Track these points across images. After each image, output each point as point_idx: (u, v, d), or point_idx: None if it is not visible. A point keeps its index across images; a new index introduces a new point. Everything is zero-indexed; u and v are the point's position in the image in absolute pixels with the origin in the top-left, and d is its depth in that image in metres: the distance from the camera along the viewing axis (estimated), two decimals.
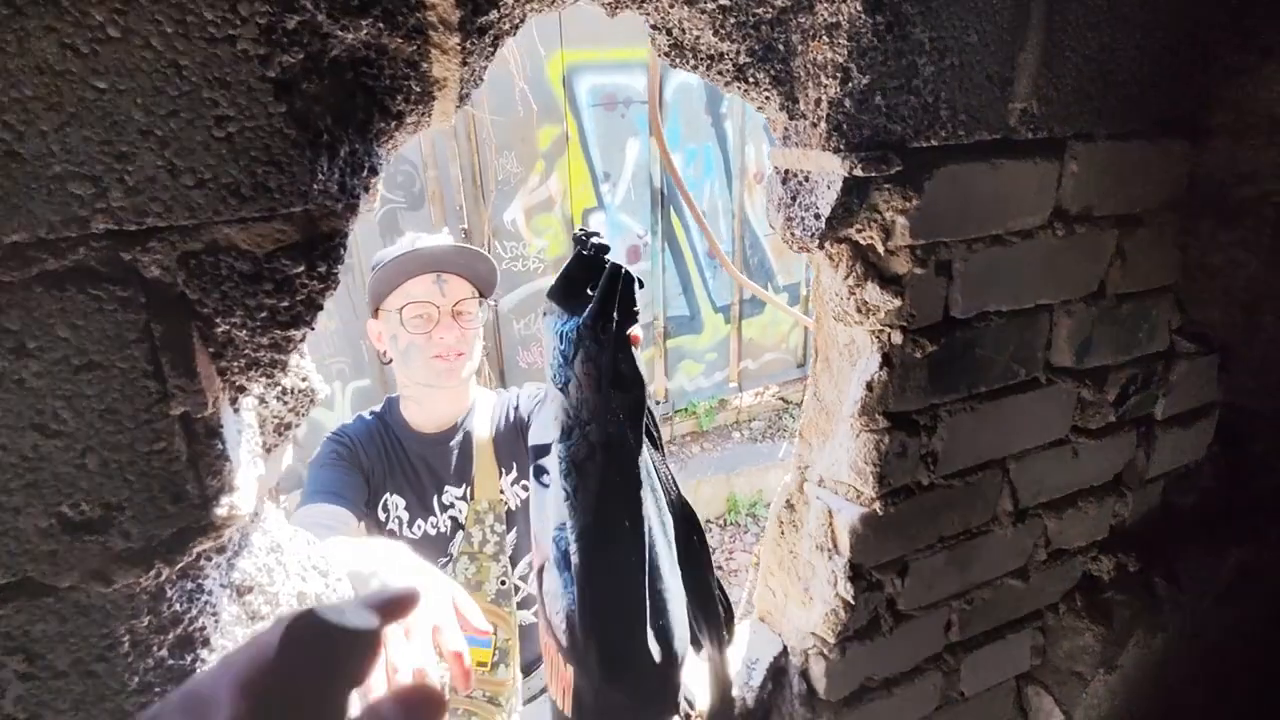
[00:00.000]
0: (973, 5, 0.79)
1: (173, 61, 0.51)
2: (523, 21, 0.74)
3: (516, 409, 1.53)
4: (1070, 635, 1.36)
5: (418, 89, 0.65)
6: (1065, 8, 0.84)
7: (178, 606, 0.64)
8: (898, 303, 0.92)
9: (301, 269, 0.59)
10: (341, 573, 0.84)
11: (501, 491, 1.47)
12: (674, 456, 4.69)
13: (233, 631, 0.70)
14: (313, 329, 0.63)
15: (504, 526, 1.46)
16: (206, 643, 0.65)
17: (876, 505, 1.03)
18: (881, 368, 0.97)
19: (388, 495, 1.44)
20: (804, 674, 1.15)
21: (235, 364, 0.61)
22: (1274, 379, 1.27)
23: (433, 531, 1.44)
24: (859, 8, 0.72)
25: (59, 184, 0.50)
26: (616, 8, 0.77)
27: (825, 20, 0.76)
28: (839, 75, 0.77)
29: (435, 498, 1.45)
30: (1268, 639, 1.57)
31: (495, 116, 3.71)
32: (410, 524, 1.44)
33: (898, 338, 0.96)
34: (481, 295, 1.45)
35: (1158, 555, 1.39)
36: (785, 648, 1.17)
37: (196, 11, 0.51)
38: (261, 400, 0.71)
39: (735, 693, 1.12)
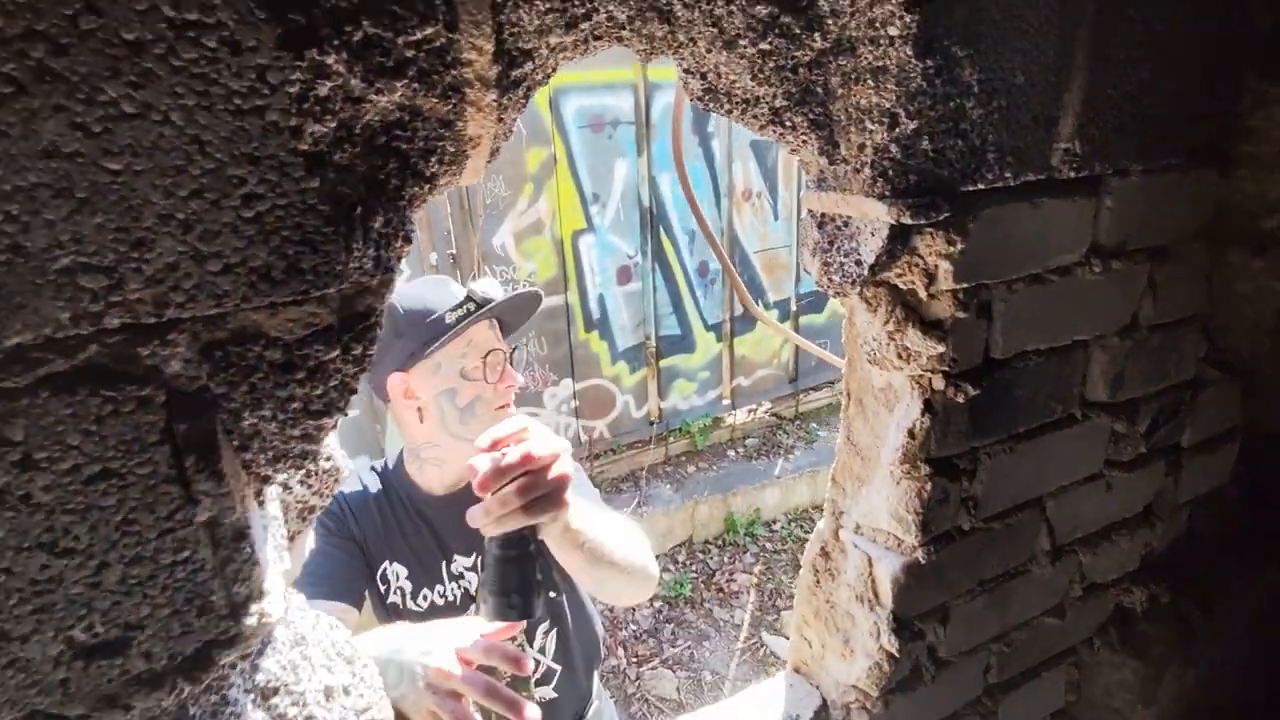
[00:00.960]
0: (1019, 45, 0.76)
1: (195, 138, 0.46)
2: (555, 70, 0.70)
3: None
4: (1107, 671, 1.33)
5: (452, 149, 0.60)
6: (1109, 44, 0.81)
7: None
8: (941, 348, 0.89)
9: (336, 353, 0.54)
10: (368, 658, 0.78)
11: None
12: (670, 477, 4.64)
13: None
14: (346, 415, 0.58)
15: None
16: None
17: (919, 553, 0.99)
18: (924, 414, 0.93)
19: (387, 564, 1.35)
20: None
21: (262, 456, 0.56)
22: None
23: (440, 601, 1.33)
24: (909, 52, 0.69)
25: (68, 277, 0.45)
26: (651, 54, 0.73)
27: (870, 64, 0.73)
28: (886, 120, 0.74)
29: (444, 565, 1.35)
30: None
31: None
32: (415, 595, 1.34)
33: (939, 383, 0.92)
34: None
35: (1188, 583, 1.37)
36: (825, 702, 1.13)
37: (221, 82, 0.46)
38: (285, 487, 0.66)
39: None
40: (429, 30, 0.54)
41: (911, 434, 0.94)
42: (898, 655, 1.02)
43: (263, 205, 0.49)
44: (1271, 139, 0.98)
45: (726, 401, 5.01)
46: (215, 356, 0.50)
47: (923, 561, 0.99)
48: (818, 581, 1.13)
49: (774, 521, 4.65)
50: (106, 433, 0.48)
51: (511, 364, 1.33)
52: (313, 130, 0.50)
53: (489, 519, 0.82)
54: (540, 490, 0.82)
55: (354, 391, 0.58)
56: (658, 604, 3.97)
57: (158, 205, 0.46)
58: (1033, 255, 0.92)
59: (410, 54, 0.54)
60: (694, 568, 4.25)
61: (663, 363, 4.67)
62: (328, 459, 0.69)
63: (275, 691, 0.65)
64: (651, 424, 4.72)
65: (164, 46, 0.44)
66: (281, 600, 0.60)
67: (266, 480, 0.59)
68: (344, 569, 1.30)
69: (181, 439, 0.50)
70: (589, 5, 0.64)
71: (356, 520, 1.35)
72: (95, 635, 0.51)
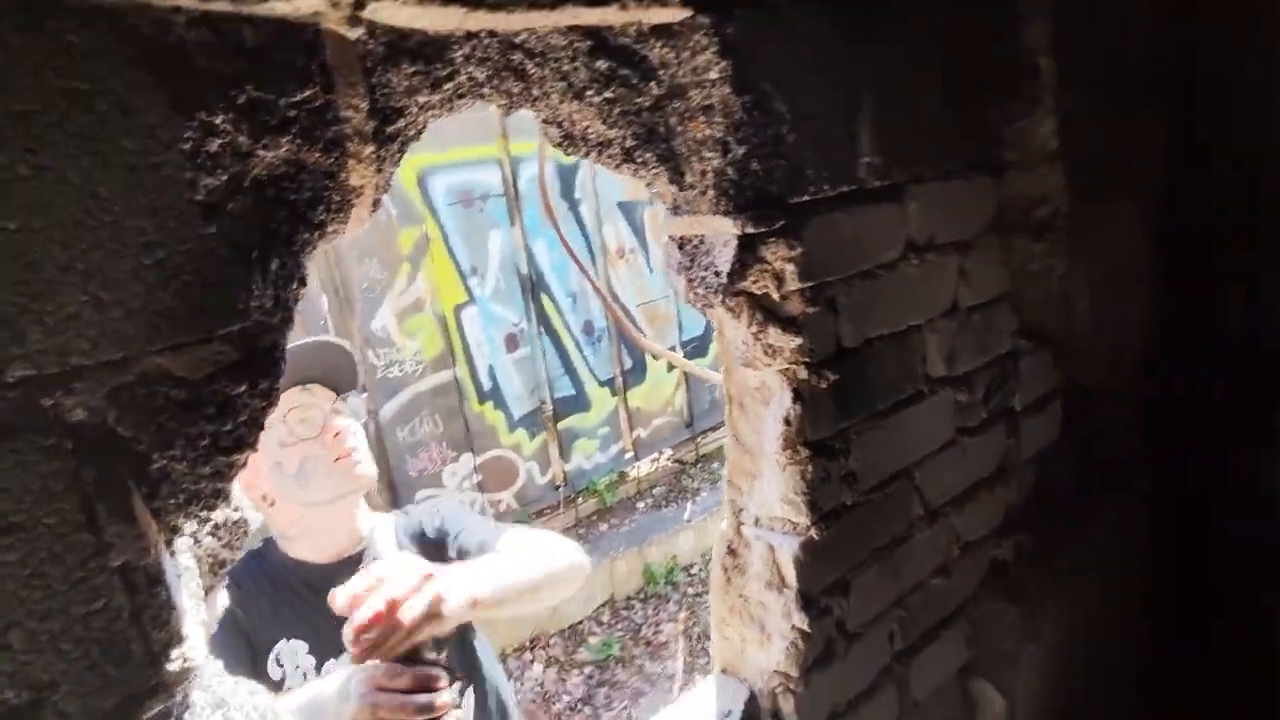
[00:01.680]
0: (815, 81, 0.92)
1: (93, 193, 0.49)
2: (425, 127, 0.77)
3: (422, 529, 1.42)
4: (994, 618, 1.48)
5: (337, 199, 0.66)
6: (886, 75, 1.00)
7: None
8: (798, 341, 1.01)
9: (244, 388, 0.57)
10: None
11: None
12: (583, 539, 4.60)
13: None
14: (255, 451, 0.60)
15: (434, 654, 1.35)
16: None
17: (813, 531, 1.09)
18: (795, 402, 1.05)
19: (282, 644, 1.29)
20: (775, 715, 1.16)
21: (172, 501, 0.57)
22: (1098, 361, 1.50)
23: None
24: (728, 90, 0.83)
25: None
26: (510, 108, 0.83)
27: (699, 103, 0.86)
28: (719, 148, 0.87)
29: None
30: (1144, 590, 1.78)
31: None
32: (319, 667, 1.28)
33: (803, 373, 1.05)
34: (340, 394, 1.37)
35: (1046, 532, 1.56)
36: (753, 693, 1.18)
37: (113, 141, 0.50)
38: (194, 539, 0.65)
39: None
40: (308, 92, 0.60)
41: (788, 421, 1.05)
42: (810, 631, 1.11)
43: (163, 252, 0.52)
44: (1023, 147, 1.22)
45: (629, 454, 5.08)
46: (122, 400, 0.52)
47: (817, 538, 1.09)
48: (729, 579, 1.20)
49: (691, 565, 4.70)
50: (9, 485, 0.48)
51: (336, 414, 1.32)
52: (206, 182, 0.54)
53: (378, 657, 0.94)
54: (409, 630, 0.95)
55: (262, 427, 0.60)
56: (588, 670, 3.87)
57: (57, 258, 0.49)
58: (861, 254, 1.08)
59: (292, 113, 0.60)
60: (619, 626, 4.20)
61: (561, 425, 4.69)
62: (235, 509, 0.69)
63: None
64: (557, 488, 4.69)
65: (56, 114, 0.48)
66: (202, 646, 0.59)
67: (176, 530, 0.60)
68: (231, 660, 1.24)
69: (91, 485, 0.51)
70: (451, 68, 0.73)
71: (243, 609, 1.29)
72: (3, 702, 0.49)
